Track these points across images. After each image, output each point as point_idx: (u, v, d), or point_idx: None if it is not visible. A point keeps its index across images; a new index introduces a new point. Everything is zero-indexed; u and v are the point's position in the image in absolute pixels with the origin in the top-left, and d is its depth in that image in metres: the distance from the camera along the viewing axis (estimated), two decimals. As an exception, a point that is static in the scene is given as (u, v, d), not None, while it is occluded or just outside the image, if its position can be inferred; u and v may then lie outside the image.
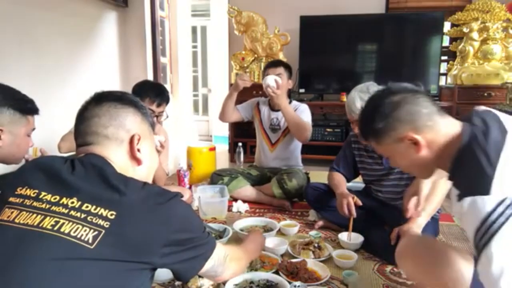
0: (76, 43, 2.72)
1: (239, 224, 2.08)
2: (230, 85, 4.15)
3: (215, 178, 2.65)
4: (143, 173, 0.97)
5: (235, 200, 2.55)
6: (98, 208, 0.79)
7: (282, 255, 1.79)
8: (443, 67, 4.04)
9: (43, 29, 2.37)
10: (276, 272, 1.60)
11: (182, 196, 0.92)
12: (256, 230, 1.54)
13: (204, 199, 2.33)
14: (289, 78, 2.65)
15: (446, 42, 4.04)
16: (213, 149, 3.26)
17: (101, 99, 0.94)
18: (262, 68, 3.97)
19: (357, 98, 1.85)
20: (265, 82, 2.53)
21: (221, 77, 5.32)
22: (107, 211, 0.79)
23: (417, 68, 3.79)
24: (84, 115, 0.93)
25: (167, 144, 2.44)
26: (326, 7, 4.01)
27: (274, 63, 2.69)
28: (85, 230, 0.76)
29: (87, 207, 0.79)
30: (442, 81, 4.08)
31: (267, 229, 2.08)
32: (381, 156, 1.97)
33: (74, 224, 0.77)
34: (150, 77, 3.47)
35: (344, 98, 3.88)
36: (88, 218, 0.78)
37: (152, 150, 1.00)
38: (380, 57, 3.97)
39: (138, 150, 0.94)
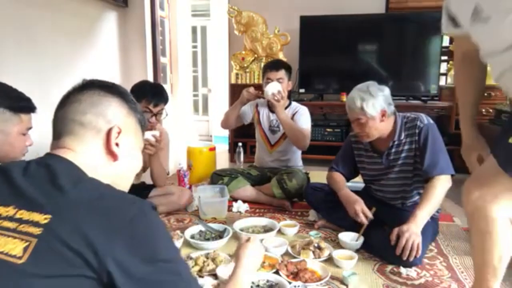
0: (76, 43, 2.72)
1: (239, 224, 2.08)
2: (230, 85, 4.15)
3: (215, 178, 2.65)
4: (120, 170, 0.85)
5: (235, 200, 2.55)
6: (33, 214, 0.67)
7: (282, 255, 1.79)
8: (443, 67, 4.04)
9: (42, 29, 2.37)
10: (276, 272, 1.60)
11: (155, 208, 0.77)
12: (246, 244, 1.27)
13: (204, 199, 2.33)
14: (289, 80, 2.64)
15: (446, 42, 4.04)
16: (213, 149, 3.26)
17: (87, 86, 0.86)
18: (262, 67, 3.98)
19: (357, 97, 1.85)
20: (267, 93, 2.50)
21: (221, 77, 5.32)
22: (41, 215, 0.66)
23: (417, 68, 3.79)
24: (65, 101, 0.84)
25: (167, 143, 2.44)
26: (326, 7, 4.01)
27: (275, 66, 2.63)
28: (14, 243, 0.64)
29: (21, 214, 0.67)
30: (442, 81, 4.08)
31: (267, 229, 2.08)
32: (380, 155, 1.97)
33: (4, 237, 0.65)
34: (150, 77, 3.47)
35: (344, 98, 3.87)
36: (19, 228, 0.66)
37: (135, 149, 0.88)
38: (380, 57, 3.97)
39: (117, 144, 0.82)
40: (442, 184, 1.77)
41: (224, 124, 2.87)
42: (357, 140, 2.07)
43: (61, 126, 0.83)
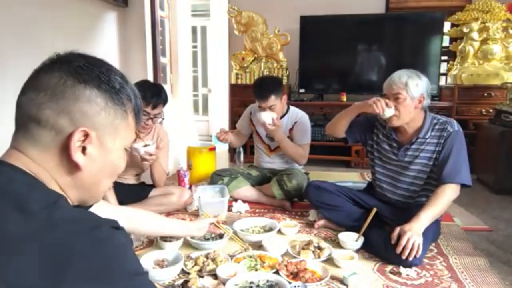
0: (76, 43, 2.72)
1: (239, 224, 2.08)
2: (230, 85, 4.16)
3: (215, 178, 2.65)
4: (87, 180, 0.68)
5: (235, 200, 2.55)
6: None
7: (282, 255, 1.78)
8: (443, 67, 4.04)
9: (42, 29, 2.37)
10: (276, 272, 1.60)
11: (118, 227, 0.61)
12: None
13: (204, 199, 2.33)
14: (282, 96, 2.53)
15: (446, 42, 4.04)
16: (213, 149, 3.26)
17: (55, 65, 0.66)
18: (262, 68, 3.98)
19: (404, 74, 1.85)
20: (260, 119, 2.41)
21: (221, 77, 5.32)
22: None
23: (417, 68, 3.67)
24: (25, 85, 0.67)
25: (167, 144, 2.44)
26: (326, 7, 4.01)
27: (263, 95, 2.46)
28: None
29: None
30: (442, 81, 4.09)
31: (267, 229, 2.08)
32: (399, 147, 1.95)
33: None
34: (150, 77, 3.47)
35: (344, 98, 3.88)
36: None
37: (113, 150, 0.70)
38: (380, 57, 3.97)
39: (84, 149, 0.65)
40: (452, 192, 1.77)
41: (235, 146, 2.94)
42: (381, 124, 2.04)
43: (17, 118, 0.66)
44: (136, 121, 0.74)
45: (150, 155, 2.11)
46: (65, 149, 0.63)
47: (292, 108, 2.71)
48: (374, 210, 1.90)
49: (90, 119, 0.65)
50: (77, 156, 0.64)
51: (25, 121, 0.64)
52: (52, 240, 0.54)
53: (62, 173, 0.65)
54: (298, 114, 2.66)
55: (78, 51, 0.69)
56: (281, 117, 2.63)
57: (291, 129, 2.63)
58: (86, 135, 0.64)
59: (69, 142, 0.63)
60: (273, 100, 2.47)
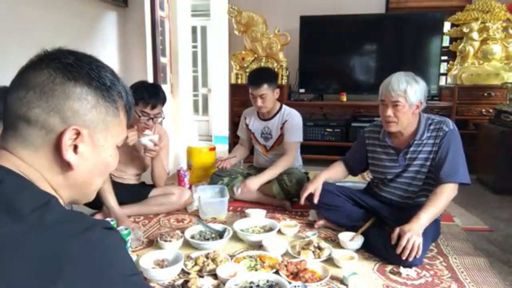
0: (76, 43, 2.71)
1: (239, 224, 2.08)
2: (230, 85, 4.16)
3: (215, 178, 2.65)
4: (79, 179, 0.67)
5: (235, 200, 2.54)
6: None
7: (282, 255, 1.78)
8: (443, 67, 4.04)
9: (43, 29, 2.38)
10: (276, 272, 1.60)
11: (110, 228, 0.61)
12: None
13: (204, 199, 2.33)
14: (275, 88, 2.55)
15: (446, 42, 4.04)
16: (213, 149, 3.26)
17: (43, 62, 0.64)
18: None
19: (403, 80, 1.80)
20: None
21: (221, 77, 5.33)
22: None
23: (417, 68, 3.78)
24: (13, 83, 0.65)
25: (167, 143, 2.44)
26: (326, 7, 4.01)
27: (256, 82, 2.50)
28: None
29: None
30: (442, 81, 4.09)
31: (267, 229, 2.08)
32: (398, 153, 1.94)
33: None
34: (150, 77, 3.47)
35: (344, 98, 3.88)
36: None
37: (105, 148, 0.68)
38: (380, 57, 3.97)
39: (75, 148, 0.63)
40: (451, 191, 1.77)
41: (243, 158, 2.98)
42: (373, 136, 2.05)
43: (5, 118, 0.64)
44: (127, 118, 0.73)
45: (155, 144, 2.15)
46: (56, 148, 0.62)
47: (285, 107, 2.70)
48: (373, 219, 1.90)
49: (81, 117, 0.63)
50: (68, 155, 0.63)
51: (14, 121, 0.62)
52: (45, 242, 0.53)
53: (53, 172, 0.64)
54: (289, 113, 2.65)
55: (66, 48, 0.67)
56: (273, 116, 2.64)
57: (281, 127, 2.63)
58: (78, 134, 0.63)
59: (60, 141, 0.62)
60: (265, 88, 2.49)
